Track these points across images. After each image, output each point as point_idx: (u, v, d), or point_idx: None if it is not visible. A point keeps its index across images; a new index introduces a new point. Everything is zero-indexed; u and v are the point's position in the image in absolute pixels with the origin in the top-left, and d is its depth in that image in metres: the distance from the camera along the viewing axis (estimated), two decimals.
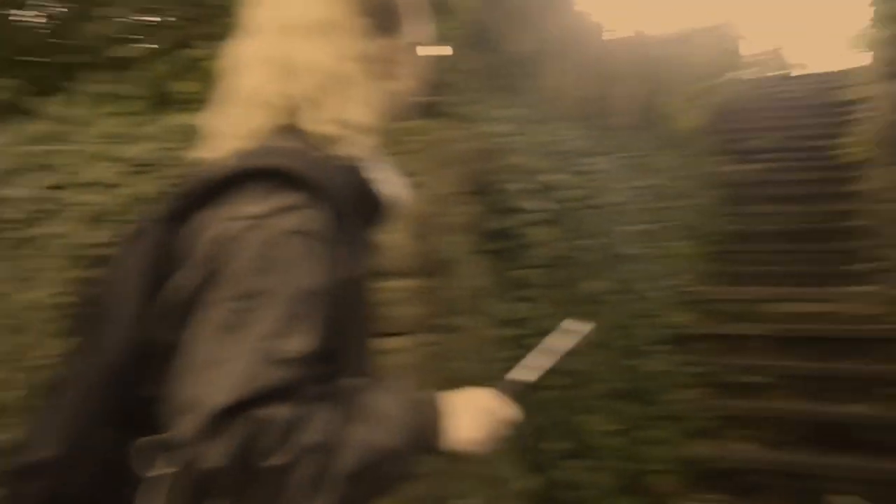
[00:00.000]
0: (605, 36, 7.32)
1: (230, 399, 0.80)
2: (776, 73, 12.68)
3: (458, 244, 2.74)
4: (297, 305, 0.87)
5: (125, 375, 0.94)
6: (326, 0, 1.04)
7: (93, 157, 2.60)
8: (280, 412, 0.82)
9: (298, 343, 0.85)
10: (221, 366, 0.82)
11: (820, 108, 9.77)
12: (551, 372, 1.17)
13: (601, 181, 4.51)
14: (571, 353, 1.20)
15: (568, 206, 3.54)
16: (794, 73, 12.87)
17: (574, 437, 3.60)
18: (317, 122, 1.02)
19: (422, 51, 1.17)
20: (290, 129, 1.01)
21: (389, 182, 1.09)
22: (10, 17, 3.62)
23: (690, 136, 8.18)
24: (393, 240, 2.31)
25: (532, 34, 4.85)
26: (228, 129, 1.04)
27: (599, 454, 3.73)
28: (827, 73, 11.72)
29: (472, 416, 1.03)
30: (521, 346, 2.72)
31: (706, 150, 8.31)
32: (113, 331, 0.94)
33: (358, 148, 1.04)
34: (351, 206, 0.98)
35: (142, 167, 2.56)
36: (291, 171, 0.92)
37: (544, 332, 1.21)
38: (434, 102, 2.95)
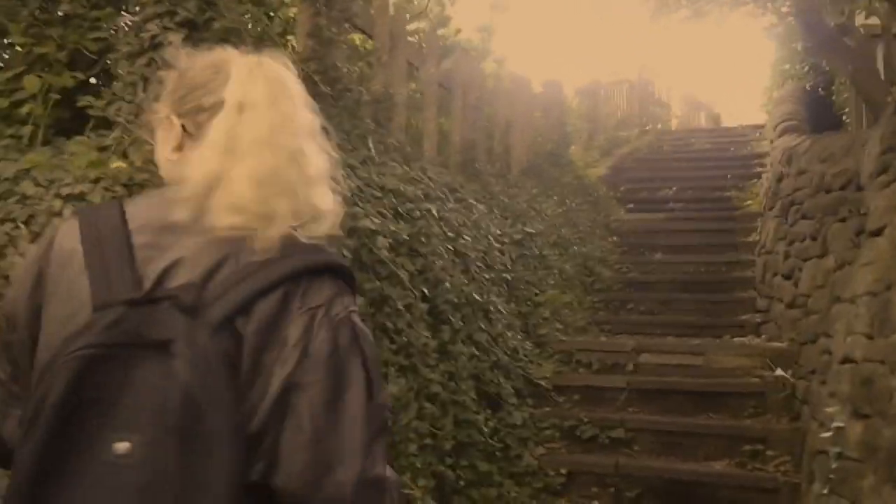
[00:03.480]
0: (522, 86, 7.27)
1: (365, 464, 0.96)
2: (693, 125, 12.89)
3: None
4: (374, 372, 1.03)
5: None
6: (309, 103, 1.15)
7: None
8: (389, 470, 1.01)
9: (384, 399, 1.05)
10: (340, 435, 0.96)
11: (731, 160, 9.89)
12: None
13: (450, 226, 4.32)
14: None
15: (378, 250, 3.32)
16: (711, 125, 13.10)
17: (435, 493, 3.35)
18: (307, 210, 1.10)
19: None
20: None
21: None
22: None
23: (591, 184, 8.13)
24: None
25: (387, 78, 4.70)
26: (241, 204, 1.04)
27: None
28: (743, 127, 11.94)
29: None
30: None
31: (606, 198, 8.25)
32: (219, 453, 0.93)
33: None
34: None
35: None
36: (343, 266, 1.08)
37: None
38: None
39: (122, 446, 0.89)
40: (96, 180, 2.57)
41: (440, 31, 6.52)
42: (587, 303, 6.39)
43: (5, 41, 3.09)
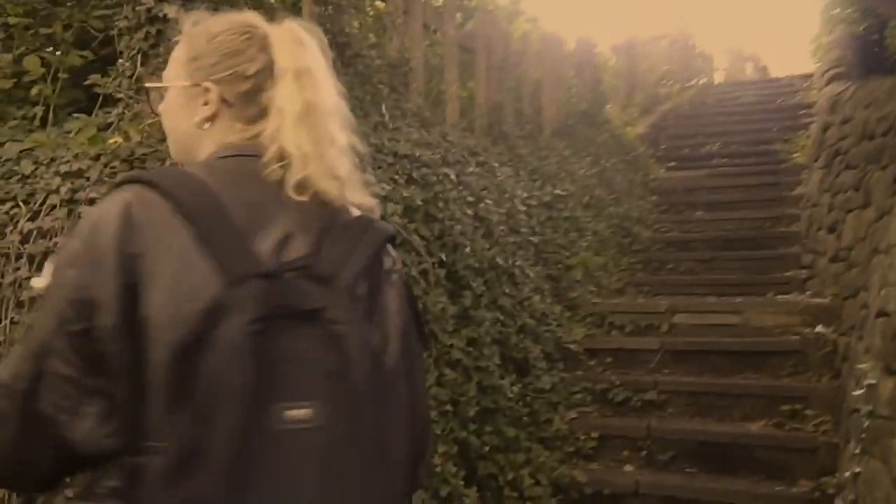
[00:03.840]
0: (553, 45, 7.07)
1: None
2: (739, 78, 12.42)
3: None
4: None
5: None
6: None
7: None
8: None
9: None
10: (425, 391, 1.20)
11: (778, 112, 9.51)
12: None
13: (471, 190, 4.23)
14: None
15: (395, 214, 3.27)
16: (757, 77, 12.60)
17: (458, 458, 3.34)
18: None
19: None
20: None
21: None
22: None
23: (629, 143, 7.92)
24: None
25: (403, 42, 4.60)
26: (334, 171, 1.08)
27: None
28: (791, 77, 11.45)
29: None
30: None
31: (644, 157, 8.03)
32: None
33: None
34: None
35: None
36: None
37: None
38: None
39: (299, 413, 0.92)
40: (96, 157, 2.58)
41: None
42: (624, 264, 6.25)
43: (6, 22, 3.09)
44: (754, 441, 3.96)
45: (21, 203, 2.39)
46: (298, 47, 1.11)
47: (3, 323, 2.21)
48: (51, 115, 3.16)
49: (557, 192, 5.52)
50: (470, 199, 4.14)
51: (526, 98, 6.40)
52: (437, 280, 3.63)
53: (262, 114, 1.10)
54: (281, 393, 0.92)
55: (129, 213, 0.96)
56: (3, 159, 2.57)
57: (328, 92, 1.11)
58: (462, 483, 3.29)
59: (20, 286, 2.24)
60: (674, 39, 10.93)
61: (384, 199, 3.31)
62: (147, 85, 1.30)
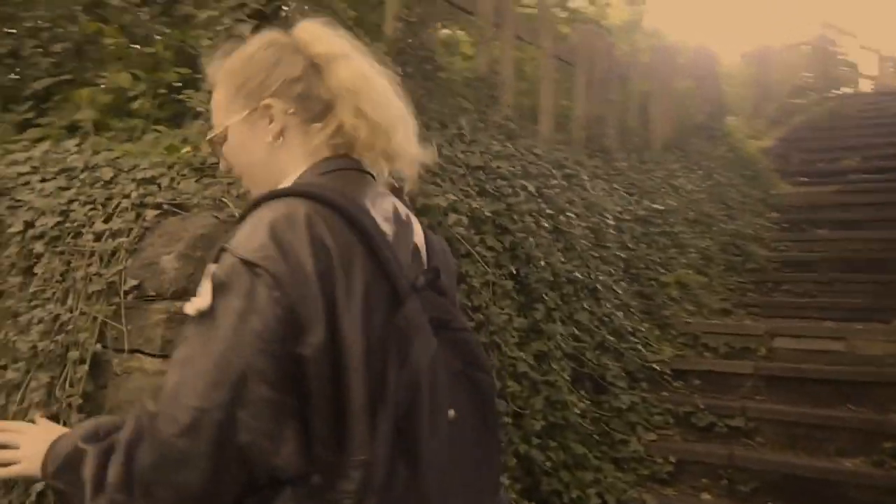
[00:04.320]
0: (665, 56, 6.91)
1: None
2: (889, 86, 11.46)
3: None
4: None
5: None
6: None
7: None
8: None
9: None
10: None
11: None
12: None
13: (551, 203, 4.20)
14: None
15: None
16: None
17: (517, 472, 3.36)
18: None
19: None
20: None
21: None
22: None
23: (750, 157, 7.54)
24: None
25: (492, 55, 4.64)
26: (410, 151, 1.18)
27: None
28: None
29: None
30: None
31: (766, 171, 7.61)
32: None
33: None
34: None
35: None
36: None
37: None
38: None
39: (451, 412, 1.01)
40: (171, 165, 2.80)
41: (570, 4, 6.32)
42: (733, 284, 5.95)
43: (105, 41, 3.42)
44: (848, 479, 3.67)
45: (100, 206, 2.64)
46: (328, 36, 1.16)
47: (74, 314, 2.46)
48: (149, 128, 3.46)
49: (656, 206, 5.35)
50: (549, 211, 4.11)
51: (632, 111, 6.25)
52: (505, 292, 3.63)
53: (329, 106, 1.13)
54: (445, 397, 1.00)
55: (315, 231, 0.97)
56: (91, 166, 2.85)
57: (373, 64, 1.16)
58: (515, 496, 3.27)
59: (90, 281, 2.47)
60: (813, 46, 10.27)
61: (448, 210, 3.37)
62: (209, 139, 1.22)
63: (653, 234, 5.23)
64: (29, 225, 2.68)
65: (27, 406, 2.41)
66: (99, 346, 2.41)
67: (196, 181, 2.69)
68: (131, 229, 2.55)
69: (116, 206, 2.62)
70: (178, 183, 2.72)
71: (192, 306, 0.96)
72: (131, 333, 2.40)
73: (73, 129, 3.40)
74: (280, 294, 0.92)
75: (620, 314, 4.42)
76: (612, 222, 4.75)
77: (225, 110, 1.17)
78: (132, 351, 2.41)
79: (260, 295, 0.92)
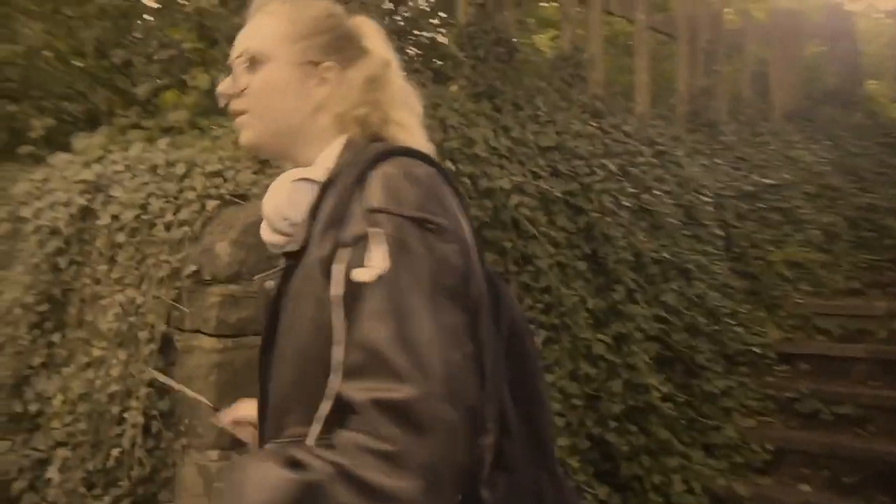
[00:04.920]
0: (786, 19, 6.45)
1: None
2: None
3: None
4: None
5: None
6: None
7: None
8: None
9: None
10: None
11: None
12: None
13: (636, 181, 4.07)
14: None
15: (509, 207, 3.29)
16: None
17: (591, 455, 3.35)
18: None
19: None
20: None
21: None
22: None
23: (891, 123, 6.89)
24: None
25: (578, 31, 4.54)
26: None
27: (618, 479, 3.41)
28: None
29: None
30: None
31: None
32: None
33: None
34: None
35: None
36: None
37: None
38: None
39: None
40: (237, 159, 2.99)
41: None
42: (864, 261, 5.48)
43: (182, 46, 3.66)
44: None
45: (172, 199, 2.87)
46: (382, 38, 1.14)
47: (146, 298, 2.70)
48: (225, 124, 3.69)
49: (766, 181, 5.03)
50: (632, 190, 3.98)
51: (745, 81, 5.89)
52: (578, 273, 3.57)
53: (363, 51, 1.12)
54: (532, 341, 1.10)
55: (450, 186, 0.97)
56: (170, 163, 3.10)
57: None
58: (586, 478, 3.23)
59: (160, 267, 2.71)
60: None
61: (512, 192, 3.36)
62: (239, 55, 1.09)
63: (761, 211, 4.92)
64: (115, 218, 2.96)
65: (110, 380, 2.68)
66: (165, 326, 2.63)
67: (253, 173, 2.86)
68: (196, 219, 2.76)
69: (186, 199, 2.84)
70: (239, 175, 2.90)
71: (368, 273, 0.86)
72: (192, 315, 2.61)
73: (168, 131, 3.70)
74: (458, 247, 0.91)
75: (717, 295, 4.21)
76: (709, 199, 4.52)
77: (279, 42, 1.07)
78: (193, 331, 2.62)
79: (440, 250, 0.88)
